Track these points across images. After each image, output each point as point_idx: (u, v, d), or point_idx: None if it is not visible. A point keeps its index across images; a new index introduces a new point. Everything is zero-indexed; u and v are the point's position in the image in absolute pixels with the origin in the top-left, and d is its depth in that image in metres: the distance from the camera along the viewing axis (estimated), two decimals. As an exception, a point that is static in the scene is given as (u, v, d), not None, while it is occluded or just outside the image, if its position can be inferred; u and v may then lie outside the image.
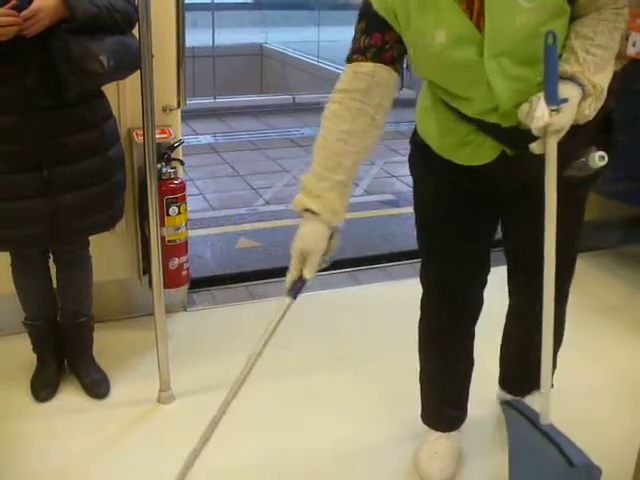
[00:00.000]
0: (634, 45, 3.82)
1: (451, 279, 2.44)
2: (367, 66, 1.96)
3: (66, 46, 2.41)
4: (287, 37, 12.93)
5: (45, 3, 2.34)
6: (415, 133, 2.33)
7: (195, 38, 9.47)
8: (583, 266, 4.17)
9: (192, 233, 3.76)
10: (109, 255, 3.27)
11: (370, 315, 3.70)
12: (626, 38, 3.87)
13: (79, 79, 2.45)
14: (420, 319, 2.59)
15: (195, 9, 9.44)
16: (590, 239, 4.44)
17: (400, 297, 3.86)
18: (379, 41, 1.95)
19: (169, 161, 3.24)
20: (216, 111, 8.01)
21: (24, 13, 2.31)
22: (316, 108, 8.29)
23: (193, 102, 7.55)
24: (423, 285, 2.53)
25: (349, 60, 1.99)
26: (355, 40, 1.98)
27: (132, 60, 2.59)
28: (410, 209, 5.08)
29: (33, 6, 2.32)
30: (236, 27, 13.66)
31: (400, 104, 7.38)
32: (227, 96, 8.47)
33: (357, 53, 1.97)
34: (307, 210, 1.95)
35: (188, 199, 3.39)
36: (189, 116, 6.37)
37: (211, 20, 9.53)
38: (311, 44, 11.17)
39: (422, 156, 2.28)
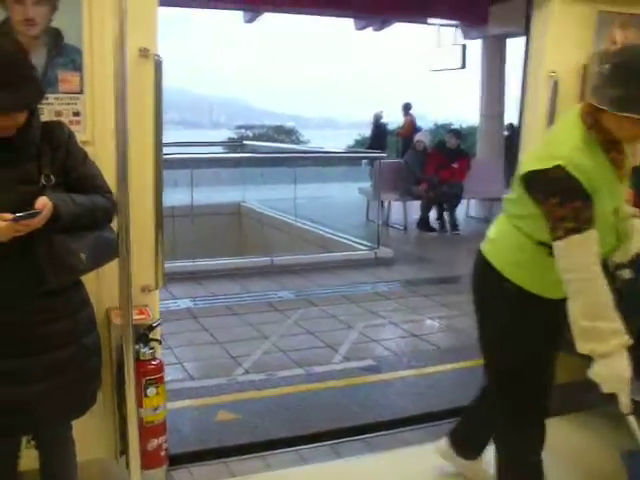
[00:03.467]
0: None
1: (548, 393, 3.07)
2: (594, 232, 2.61)
3: (49, 244, 2.48)
4: (265, 195, 13.17)
5: (47, 208, 2.43)
6: (505, 284, 2.90)
7: (175, 198, 9.63)
8: (568, 428, 4.17)
9: (170, 405, 3.70)
10: (86, 434, 3.20)
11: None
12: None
13: (58, 275, 2.52)
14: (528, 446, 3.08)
15: (174, 168, 9.63)
16: (573, 400, 4.42)
17: (384, 471, 3.81)
18: (590, 212, 2.60)
19: (147, 342, 3.24)
20: (195, 274, 8.06)
21: (36, 220, 2.41)
22: (294, 270, 8.43)
23: (173, 265, 7.65)
24: (526, 410, 3.04)
25: (580, 231, 2.58)
26: (579, 216, 2.58)
27: (110, 253, 2.72)
28: (391, 375, 5.15)
29: (45, 212, 2.42)
30: (215, 185, 13.93)
31: (376, 264, 7.45)
32: (206, 259, 8.55)
33: (586, 223, 2.58)
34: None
35: (166, 368, 3.38)
36: (168, 279, 6.41)
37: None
38: (288, 202, 11.38)
39: (518, 299, 2.90)
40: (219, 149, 18.30)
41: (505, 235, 2.98)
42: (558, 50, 4.05)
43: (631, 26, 4.14)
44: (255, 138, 27.83)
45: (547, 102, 4.01)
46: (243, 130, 30.65)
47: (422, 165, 11.81)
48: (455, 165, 11.86)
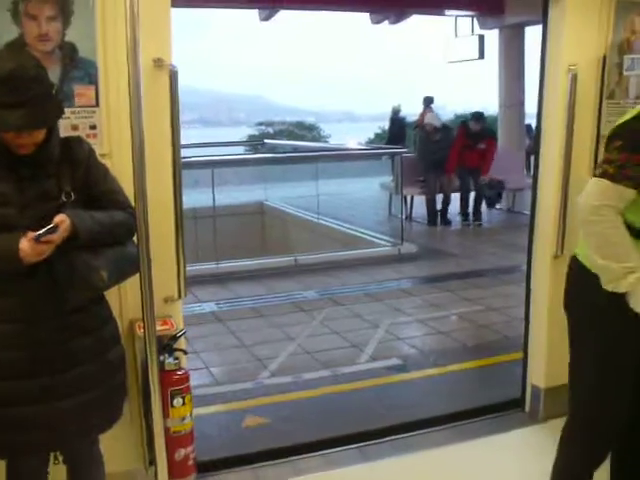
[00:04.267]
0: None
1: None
2: (631, 192, 2.58)
3: (69, 262, 2.48)
4: (287, 193, 13.15)
5: (65, 223, 2.44)
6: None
7: (196, 198, 9.68)
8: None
9: (198, 411, 3.71)
10: (114, 446, 3.20)
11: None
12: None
13: (79, 293, 2.52)
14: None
15: (195, 168, 9.62)
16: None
17: (412, 473, 3.79)
18: (638, 174, 2.55)
19: (172, 352, 3.24)
20: (219, 276, 8.07)
21: (56, 235, 2.41)
22: (318, 269, 8.41)
23: (196, 268, 7.67)
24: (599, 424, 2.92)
25: (614, 180, 2.56)
26: (623, 167, 2.56)
27: (132, 268, 2.73)
28: (417, 374, 5.13)
29: (63, 227, 2.43)
30: (236, 184, 13.92)
31: (400, 260, 7.43)
32: (229, 260, 8.55)
33: (626, 179, 2.56)
34: None
35: (192, 374, 3.38)
36: (192, 282, 6.44)
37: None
38: (311, 199, 11.35)
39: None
40: (240, 148, 18.34)
41: None
42: (576, 42, 4.00)
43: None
44: (276, 134, 27.83)
45: (566, 95, 3.96)
46: (263, 127, 30.66)
47: (432, 148, 11.59)
48: (482, 146, 11.55)
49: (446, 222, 11.60)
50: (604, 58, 4.02)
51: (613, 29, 4.02)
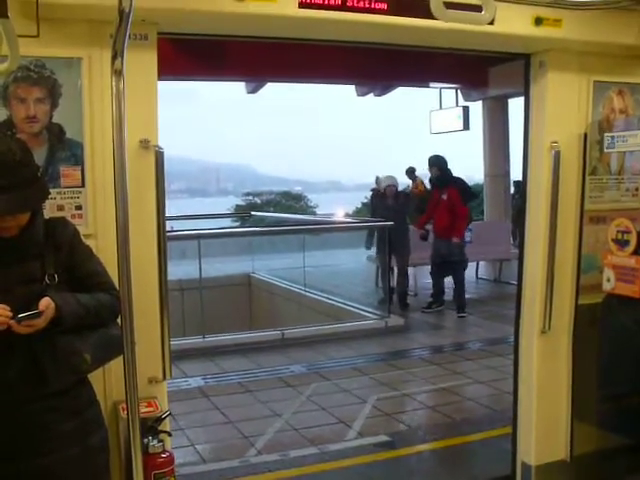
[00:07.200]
0: (608, 281, 3.93)
1: None
2: None
3: (52, 345, 2.46)
4: (274, 264, 13.14)
5: (50, 308, 2.42)
6: None
7: (183, 270, 9.66)
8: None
9: (183, 491, 3.64)
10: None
11: None
12: (600, 272, 4.00)
13: (61, 376, 2.50)
14: None
15: (182, 238, 9.62)
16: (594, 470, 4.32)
17: None
18: None
19: (156, 434, 3.19)
20: (205, 350, 8.00)
21: (39, 321, 2.39)
22: (305, 342, 8.35)
23: (183, 342, 7.63)
24: None
25: None
26: None
27: (115, 351, 2.70)
28: (405, 450, 5.05)
29: (47, 312, 2.41)
30: (223, 256, 13.92)
31: (387, 333, 7.35)
32: (216, 334, 8.49)
33: None
34: None
35: (177, 451, 3.33)
36: (179, 357, 6.37)
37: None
38: (298, 271, 11.33)
39: None
40: (227, 219, 18.40)
41: None
42: (558, 119, 4.06)
43: (628, 92, 4.17)
44: (263, 205, 27.95)
45: (550, 172, 4.00)
46: (251, 197, 30.80)
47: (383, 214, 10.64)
48: (444, 197, 9.94)
49: (402, 305, 10.60)
50: (585, 135, 4.08)
51: (592, 107, 4.09)
